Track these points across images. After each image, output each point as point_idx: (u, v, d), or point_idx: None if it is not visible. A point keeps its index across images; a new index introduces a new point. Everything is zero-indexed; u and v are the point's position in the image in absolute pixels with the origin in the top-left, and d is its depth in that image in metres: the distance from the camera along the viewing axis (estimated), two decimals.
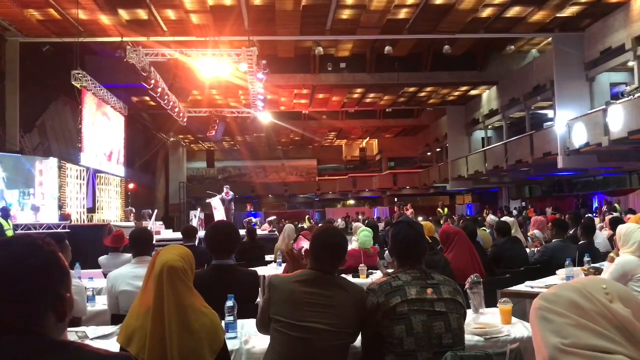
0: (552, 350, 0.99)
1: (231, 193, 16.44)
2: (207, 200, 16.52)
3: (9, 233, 9.37)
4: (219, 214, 15.39)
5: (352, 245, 6.05)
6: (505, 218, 8.47)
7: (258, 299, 3.55)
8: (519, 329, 2.76)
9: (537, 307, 1.04)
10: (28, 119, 13.64)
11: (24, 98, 13.15)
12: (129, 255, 5.32)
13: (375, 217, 27.41)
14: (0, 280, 1.04)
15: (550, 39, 16.24)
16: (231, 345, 2.45)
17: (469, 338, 2.53)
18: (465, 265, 4.35)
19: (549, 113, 18.95)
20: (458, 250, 4.61)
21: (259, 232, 12.03)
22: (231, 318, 2.69)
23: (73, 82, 13.23)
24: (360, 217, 23.54)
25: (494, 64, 19.59)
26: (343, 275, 2.83)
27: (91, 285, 4.13)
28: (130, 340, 2.05)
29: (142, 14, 12.90)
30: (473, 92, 22.64)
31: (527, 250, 6.25)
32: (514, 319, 2.91)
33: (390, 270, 4.96)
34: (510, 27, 15.12)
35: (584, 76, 15.65)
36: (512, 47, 17.78)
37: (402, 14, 13.93)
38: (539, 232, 7.57)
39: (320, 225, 4.19)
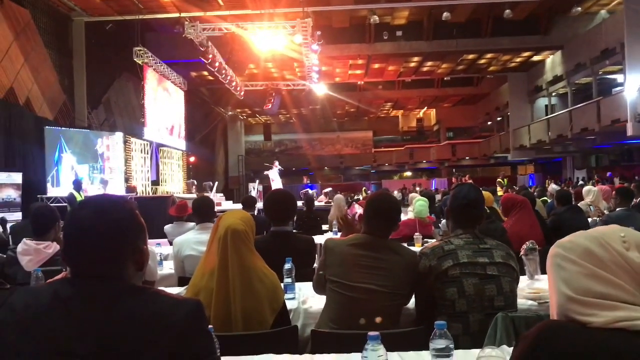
0: (562, 298, 1.02)
1: (277, 167, 16.73)
2: (265, 173, 16.88)
3: None
4: (277, 185, 15.70)
5: (408, 215, 6.07)
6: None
7: (314, 265, 3.68)
8: None
9: (552, 255, 1.07)
10: (94, 95, 14.27)
11: (90, 76, 13.72)
12: (192, 223, 5.58)
13: (433, 188, 27.10)
14: (89, 231, 1.20)
15: None
16: (290, 305, 2.58)
17: (522, 302, 2.55)
18: (526, 233, 4.31)
19: (619, 78, 17.98)
20: (520, 218, 4.57)
21: (315, 203, 12.21)
22: (289, 280, 2.82)
23: (135, 59, 13.69)
24: (417, 188, 23.33)
25: (558, 28, 18.67)
26: None
27: (159, 251, 4.39)
28: (196, 297, 2.21)
29: None
30: (536, 58, 21.74)
31: (590, 220, 6.08)
32: None
33: None
34: None
35: None
36: (579, 8, 16.80)
37: None
38: (604, 203, 7.33)
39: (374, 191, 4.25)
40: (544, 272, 3.22)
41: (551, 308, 1.09)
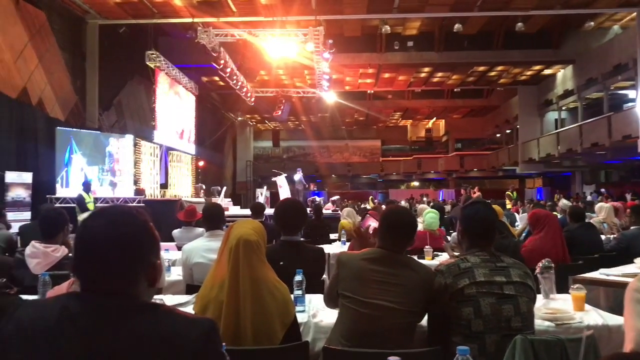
0: (639, 335, 0.96)
1: (300, 176, 16.89)
2: (273, 179, 16.86)
3: (90, 206, 9.96)
4: (284, 192, 15.68)
5: (418, 227, 6.00)
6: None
7: (324, 276, 3.62)
8: (592, 317, 2.67)
9: (633, 289, 1.01)
10: (106, 97, 14.31)
11: (102, 78, 13.78)
12: (201, 229, 5.55)
13: (440, 199, 26.97)
14: (100, 246, 1.14)
15: (634, 14, 15.21)
16: (300, 318, 2.51)
17: (539, 323, 2.48)
18: (551, 249, 4.23)
19: (630, 93, 17.88)
20: (547, 235, 4.48)
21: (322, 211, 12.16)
22: (300, 292, 2.76)
23: (147, 63, 13.74)
24: (424, 199, 23.24)
25: (570, 42, 18.62)
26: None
27: (166, 257, 4.34)
28: (205, 310, 2.15)
29: None
30: (547, 72, 21.68)
31: (603, 237, 5.98)
32: (587, 306, 2.82)
33: (456, 253, 4.91)
34: (590, 2, 14.28)
35: None
36: (592, 23, 16.73)
37: None
38: (616, 220, 7.22)
39: (389, 204, 4.18)
40: (560, 291, 3.15)
41: (626, 341, 1.02)
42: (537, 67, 20.96)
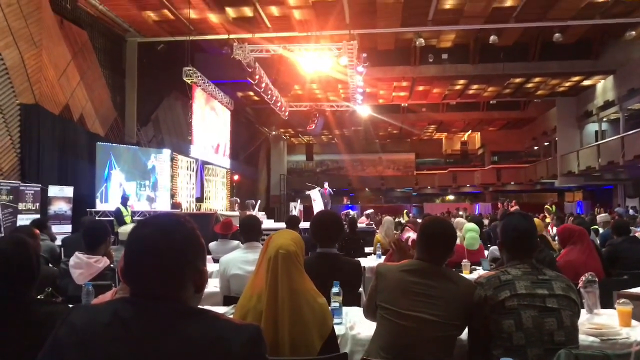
0: None
1: (329, 190, 16.83)
2: (307, 193, 16.93)
3: (128, 219, 10.20)
4: (318, 206, 15.71)
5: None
6: None
7: (360, 289, 3.61)
8: (639, 333, 2.58)
9: None
10: (144, 113, 14.68)
11: (140, 94, 14.16)
12: (236, 241, 5.62)
13: (476, 213, 26.55)
14: (150, 251, 1.18)
15: None
16: (337, 330, 2.51)
17: (583, 338, 2.42)
18: (581, 263, 4.13)
19: None
20: (576, 248, 4.37)
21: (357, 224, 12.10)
22: (337, 304, 2.76)
23: (184, 78, 14.04)
24: (460, 212, 22.91)
25: (610, 52, 18.15)
26: None
27: None
28: (244, 319, 2.17)
29: (247, 11, 13.40)
30: (586, 83, 21.19)
31: None
32: (634, 322, 2.72)
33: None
34: (631, 11, 13.97)
35: None
36: (633, 32, 16.29)
37: (510, 1, 13.33)
38: None
39: (428, 216, 4.14)
40: (604, 306, 3.06)
41: None
42: (576, 78, 20.52)
